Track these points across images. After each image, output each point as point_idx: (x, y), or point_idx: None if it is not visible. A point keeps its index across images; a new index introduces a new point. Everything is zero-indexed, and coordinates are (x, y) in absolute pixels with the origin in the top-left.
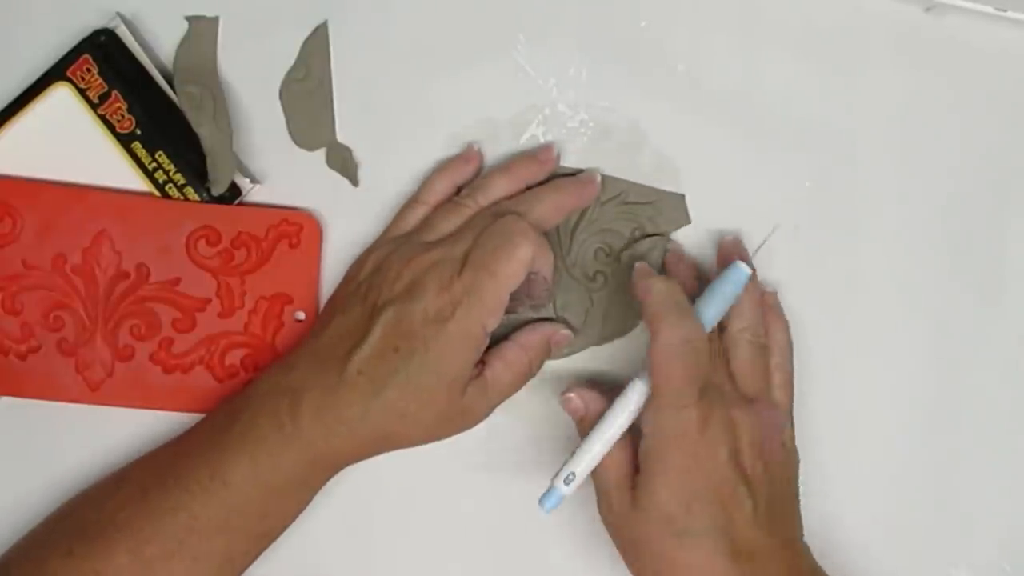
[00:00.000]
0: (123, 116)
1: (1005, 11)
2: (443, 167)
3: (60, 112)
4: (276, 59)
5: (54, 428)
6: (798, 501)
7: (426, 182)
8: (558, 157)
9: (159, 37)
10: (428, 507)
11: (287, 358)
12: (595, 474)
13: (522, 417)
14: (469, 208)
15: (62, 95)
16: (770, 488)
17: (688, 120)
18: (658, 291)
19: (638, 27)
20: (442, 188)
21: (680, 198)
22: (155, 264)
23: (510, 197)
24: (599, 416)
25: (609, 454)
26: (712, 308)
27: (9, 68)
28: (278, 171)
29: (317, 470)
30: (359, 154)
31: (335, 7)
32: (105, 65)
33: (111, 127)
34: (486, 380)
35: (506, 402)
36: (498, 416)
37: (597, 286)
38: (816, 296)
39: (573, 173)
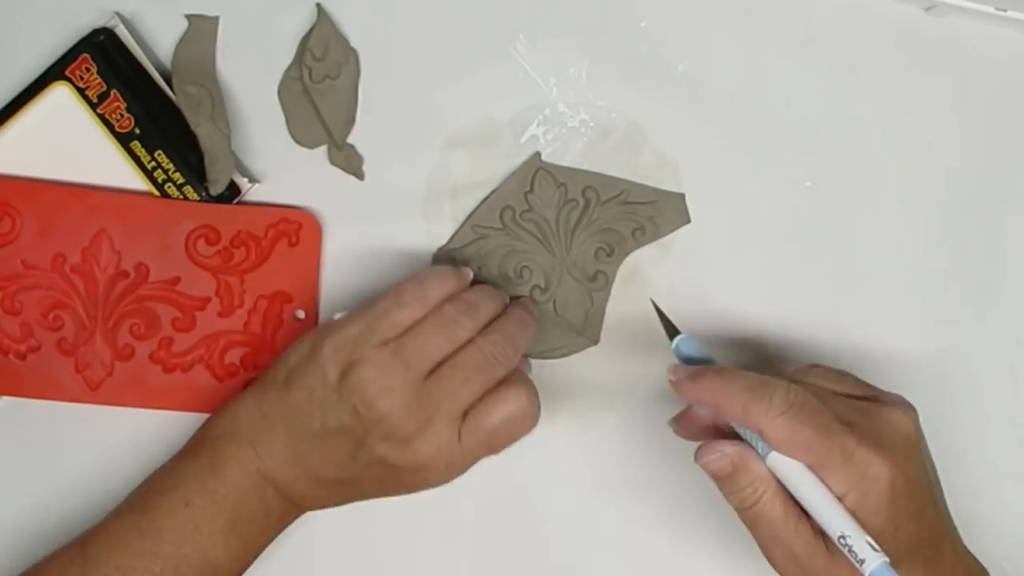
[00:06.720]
0: (122, 115)
1: (1005, 11)
2: (440, 275)
3: (59, 111)
4: (275, 58)
5: (54, 428)
6: None
7: (419, 282)
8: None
9: (158, 36)
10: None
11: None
12: (773, 543)
13: None
14: (462, 334)
15: (61, 94)
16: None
17: (688, 120)
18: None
19: (638, 27)
20: (436, 296)
21: (680, 198)
22: (154, 263)
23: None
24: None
25: (776, 522)
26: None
27: (8, 68)
28: (277, 170)
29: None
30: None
31: (334, 7)
32: (104, 64)
33: (110, 126)
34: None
35: None
36: None
37: (597, 286)
38: (816, 296)
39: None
